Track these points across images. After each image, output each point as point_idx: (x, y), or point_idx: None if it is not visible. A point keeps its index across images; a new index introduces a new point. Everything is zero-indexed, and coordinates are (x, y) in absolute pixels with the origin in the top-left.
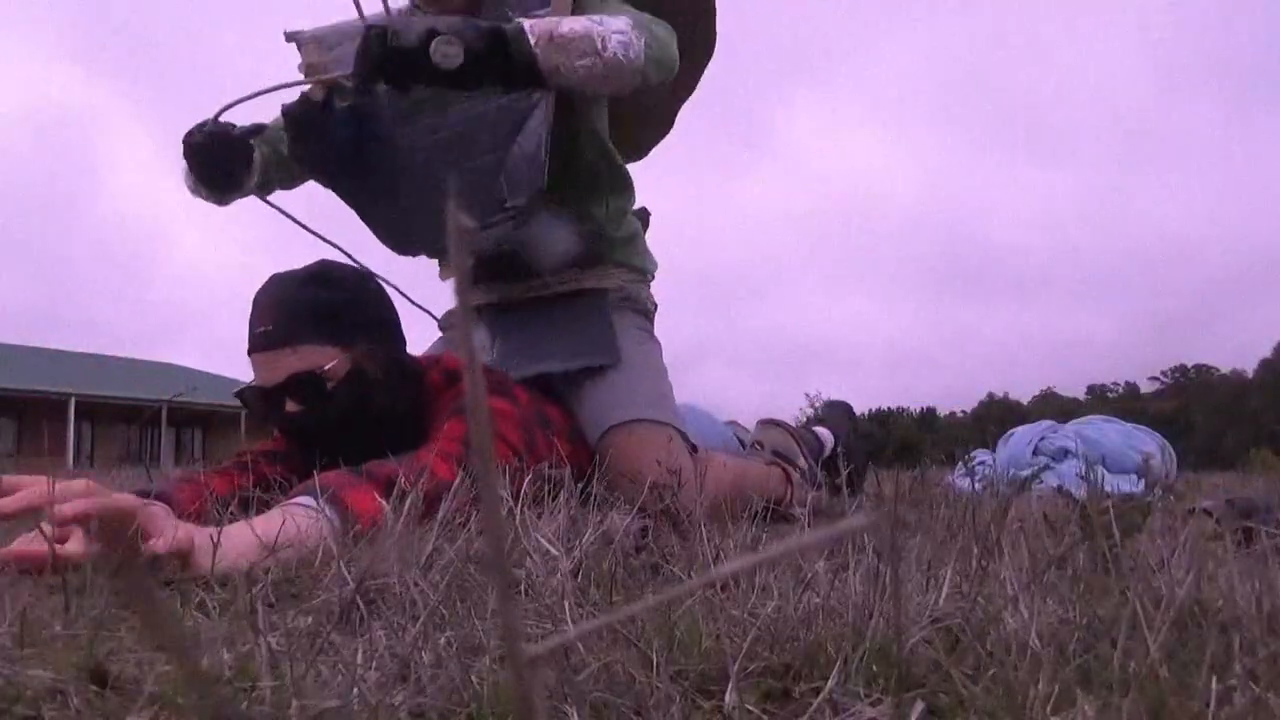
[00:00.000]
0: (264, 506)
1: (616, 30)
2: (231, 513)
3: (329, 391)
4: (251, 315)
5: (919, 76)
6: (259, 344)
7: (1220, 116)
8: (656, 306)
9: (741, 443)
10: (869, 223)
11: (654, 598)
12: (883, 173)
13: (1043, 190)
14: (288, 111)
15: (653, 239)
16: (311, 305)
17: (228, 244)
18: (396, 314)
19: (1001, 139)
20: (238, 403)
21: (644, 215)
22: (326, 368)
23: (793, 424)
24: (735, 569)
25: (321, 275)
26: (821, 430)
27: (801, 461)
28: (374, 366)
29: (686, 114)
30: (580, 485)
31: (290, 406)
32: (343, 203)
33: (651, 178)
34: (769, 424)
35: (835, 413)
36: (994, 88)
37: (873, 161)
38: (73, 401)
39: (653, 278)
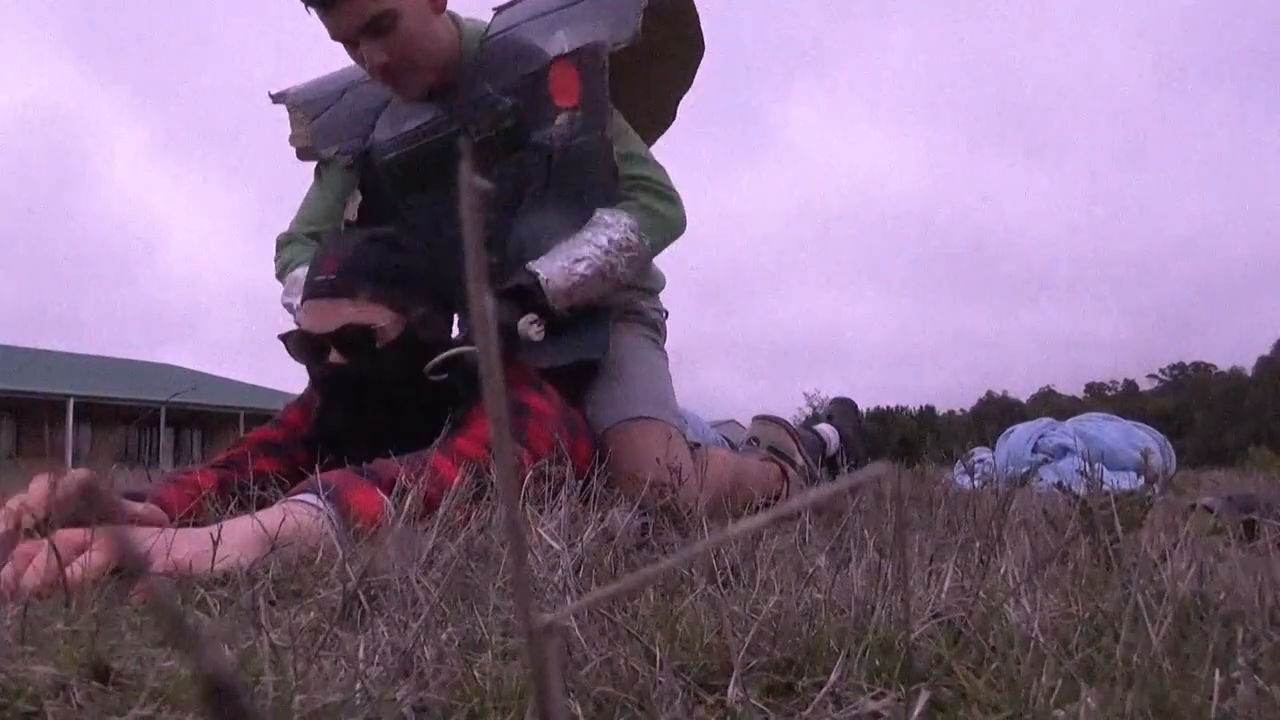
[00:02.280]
0: (261, 504)
1: (623, 248)
2: (231, 510)
3: (378, 350)
4: (313, 265)
5: (919, 73)
6: (317, 291)
7: (1221, 114)
8: (667, 314)
9: (732, 444)
10: (868, 220)
11: (672, 559)
12: (882, 170)
13: (1043, 188)
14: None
15: None
16: (377, 263)
17: (225, 243)
18: (450, 295)
19: (1002, 137)
20: (236, 403)
21: None
22: (381, 325)
23: (790, 422)
24: (754, 526)
25: (389, 238)
26: (825, 428)
27: (798, 458)
28: (426, 335)
29: (685, 109)
30: (581, 482)
31: (335, 357)
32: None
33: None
34: (765, 420)
35: (841, 410)
36: (995, 85)
37: (872, 159)
38: (71, 403)
39: (659, 290)
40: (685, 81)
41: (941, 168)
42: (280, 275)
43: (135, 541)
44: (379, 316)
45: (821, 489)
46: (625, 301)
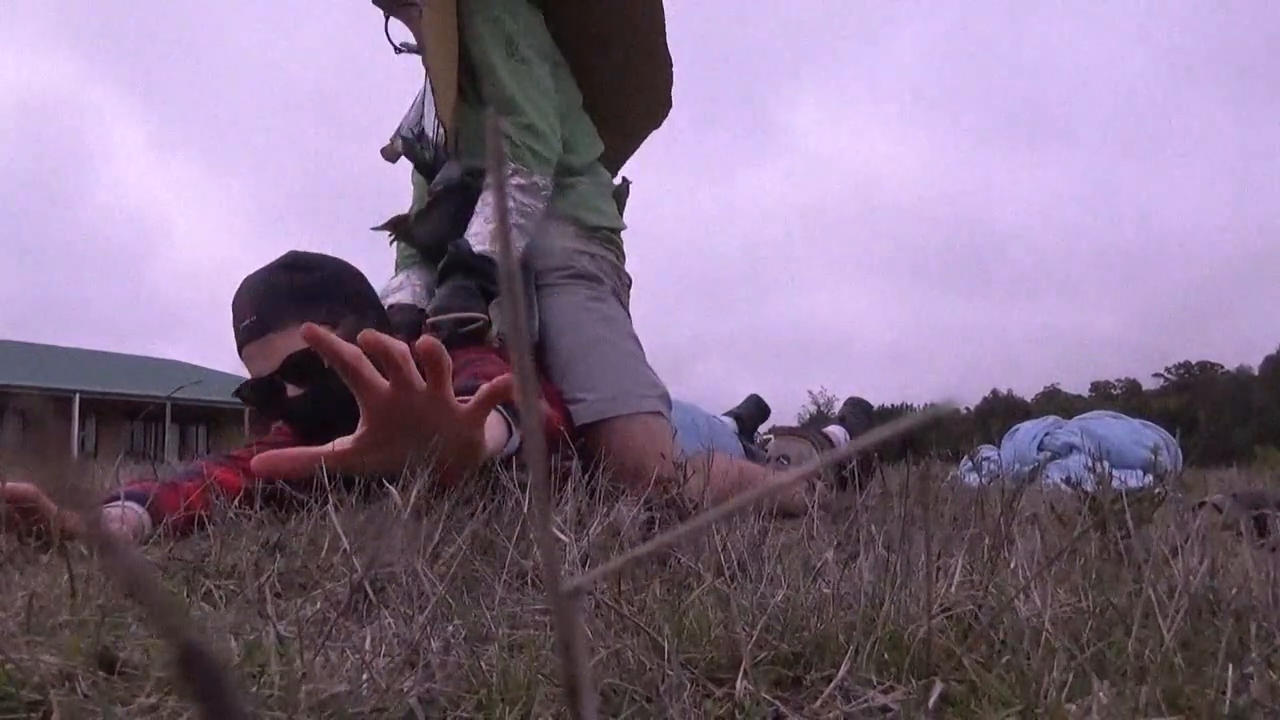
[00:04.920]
0: (272, 500)
1: (517, 210)
2: (255, 510)
3: (327, 369)
4: (234, 316)
5: (924, 69)
6: (247, 336)
7: (1229, 109)
8: (622, 257)
9: (747, 437)
10: (873, 217)
11: (694, 520)
12: (888, 166)
13: (1049, 185)
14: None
15: (652, 232)
16: (290, 288)
17: (228, 236)
18: (374, 291)
19: (1008, 133)
20: (240, 401)
21: (624, 185)
22: None
23: (798, 425)
24: (793, 477)
25: (294, 262)
26: (834, 429)
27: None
28: None
29: (688, 104)
30: (586, 477)
31: (291, 391)
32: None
33: (653, 170)
34: (787, 436)
35: (854, 410)
36: (1000, 81)
37: (878, 155)
38: (77, 398)
39: (612, 236)
40: (659, 118)
41: (947, 164)
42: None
43: (104, 518)
44: None
45: (879, 430)
46: (559, 263)
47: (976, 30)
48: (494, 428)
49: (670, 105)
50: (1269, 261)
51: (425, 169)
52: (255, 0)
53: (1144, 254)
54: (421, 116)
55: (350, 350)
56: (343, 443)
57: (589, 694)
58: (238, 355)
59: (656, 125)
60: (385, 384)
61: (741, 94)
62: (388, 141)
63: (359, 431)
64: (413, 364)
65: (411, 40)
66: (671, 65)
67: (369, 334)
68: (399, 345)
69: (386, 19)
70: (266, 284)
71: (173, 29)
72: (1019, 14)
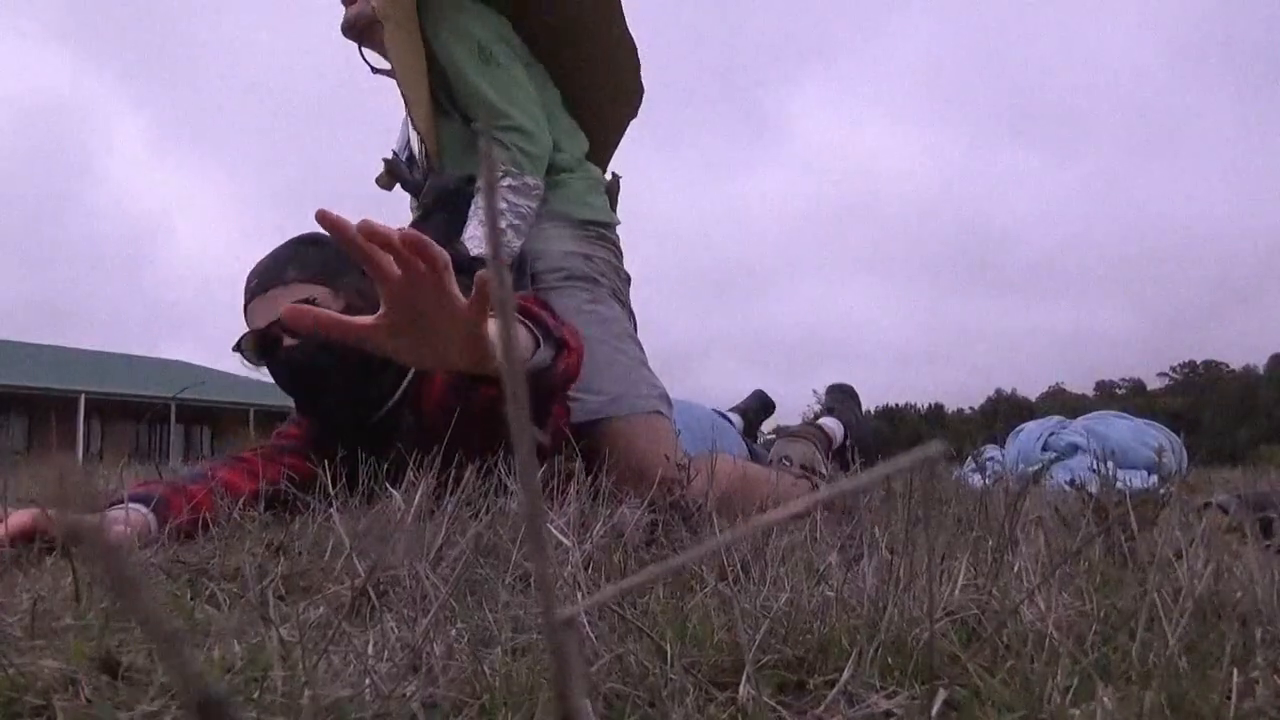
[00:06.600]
0: (275, 503)
1: (519, 192)
2: (259, 512)
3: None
4: (243, 295)
5: (929, 65)
6: (250, 295)
7: (1236, 108)
8: (619, 254)
9: (753, 433)
10: (877, 215)
11: (690, 552)
12: (892, 165)
13: (1054, 183)
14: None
15: (655, 231)
16: (293, 252)
17: (230, 234)
18: None
19: (1014, 131)
20: (246, 400)
21: (614, 180)
22: (318, 298)
23: (799, 424)
24: (801, 508)
25: (300, 237)
26: (828, 422)
27: (823, 468)
28: (364, 303)
29: (690, 103)
30: (589, 479)
31: (287, 341)
32: None
33: (655, 168)
34: (789, 437)
35: (839, 399)
36: (1006, 78)
37: (883, 153)
38: (82, 399)
39: (605, 232)
40: (632, 110)
41: (952, 162)
42: None
43: (93, 526)
44: (314, 292)
45: (867, 474)
46: (554, 265)
47: (983, 25)
48: (520, 338)
49: (642, 90)
50: (1276, 260)
51: (413, 188)
52: (256, 0)
53: (1149, 253)
54: (409, 140)
55: (361, 238)
56: (367, 318)
57: None
58: (243, 313)
59: (634, 113)
60: (397, 270)
61: (746, 90)
62: (382, 170)
63: (380, 312)
64: (417, 257)
65: (386, 65)
66: (635, 48)
67: (368, 222)
68: (398, 233)
69: (360, 47)
70: (274, 252)
71: (173, 28)
72: (1027, 9)
